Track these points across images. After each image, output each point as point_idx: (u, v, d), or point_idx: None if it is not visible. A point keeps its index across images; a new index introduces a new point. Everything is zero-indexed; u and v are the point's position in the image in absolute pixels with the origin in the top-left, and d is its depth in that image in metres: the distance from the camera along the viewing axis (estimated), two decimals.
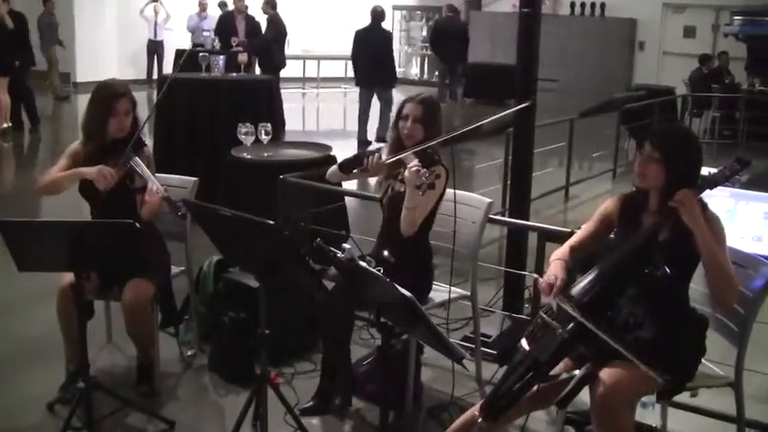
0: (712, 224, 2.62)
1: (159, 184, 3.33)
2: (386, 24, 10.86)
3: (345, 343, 3.44)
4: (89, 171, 3.33)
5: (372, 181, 3.61)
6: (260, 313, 2.89)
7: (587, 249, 2.92)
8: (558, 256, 2.89)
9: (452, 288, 3.58)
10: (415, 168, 3.09)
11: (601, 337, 2.49)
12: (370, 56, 10.33)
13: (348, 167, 3.50)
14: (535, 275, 3.10)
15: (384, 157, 3.39)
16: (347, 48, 11.03)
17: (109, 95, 3.41)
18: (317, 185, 4.37)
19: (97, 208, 3.46)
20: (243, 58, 9.14)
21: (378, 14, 10.40)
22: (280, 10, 11.35)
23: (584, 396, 2.60)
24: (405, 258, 3.15)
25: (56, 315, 3.37)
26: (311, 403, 3.44)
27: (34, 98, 10.88)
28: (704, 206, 2.64)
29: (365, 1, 15.14)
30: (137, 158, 3.36)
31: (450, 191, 3.37)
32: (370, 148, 3.65)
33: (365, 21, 10.55)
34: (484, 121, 3.25)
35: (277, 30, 11.24)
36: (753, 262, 2.81)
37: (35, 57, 11.27)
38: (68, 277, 3.29)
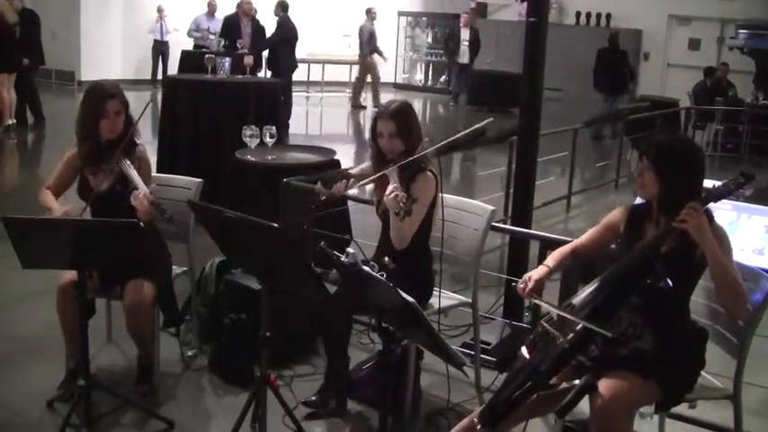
0: (719, 236, 2.61)
1: (146, 188, 3.32)
2: (390, 30, 10.87)
3: (344, 347, 3.45)
4: (56, 210, 3.32)
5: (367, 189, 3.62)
6: (261, 315, 2.90)
7: (589, 254, 2.96)
8: (555, 256, 2.96)
9: (454, 295, 3.59)
10: (393, 195, 3.06)
11: (604, 334, 2.51)
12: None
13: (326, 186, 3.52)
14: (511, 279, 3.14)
15: (365, 172, 3.42)
16: (351, 52, 11.06)
17: (99, 97, 3.39)
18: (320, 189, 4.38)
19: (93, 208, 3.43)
20: (249, 60, 9.16)
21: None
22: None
23: (583, 405, 2.60)
24: (404, 264, 3.17)
25: (55, 312, 3.37)
26: (314, 398, 3.48)
27: (39, 96, 10.92)
28: (711, 218, 2.64)
29: (369, 5, 15.22)
30: (126, 161, 3.36)
31: (443, 195, 3.39)
32: (364, 165, 3.66)
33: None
34: (451, 138, 3.27)
35: (285, 33, 11.25)
36: (753, 275, 2.82)
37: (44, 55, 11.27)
38: (68, 275, 3.29)
